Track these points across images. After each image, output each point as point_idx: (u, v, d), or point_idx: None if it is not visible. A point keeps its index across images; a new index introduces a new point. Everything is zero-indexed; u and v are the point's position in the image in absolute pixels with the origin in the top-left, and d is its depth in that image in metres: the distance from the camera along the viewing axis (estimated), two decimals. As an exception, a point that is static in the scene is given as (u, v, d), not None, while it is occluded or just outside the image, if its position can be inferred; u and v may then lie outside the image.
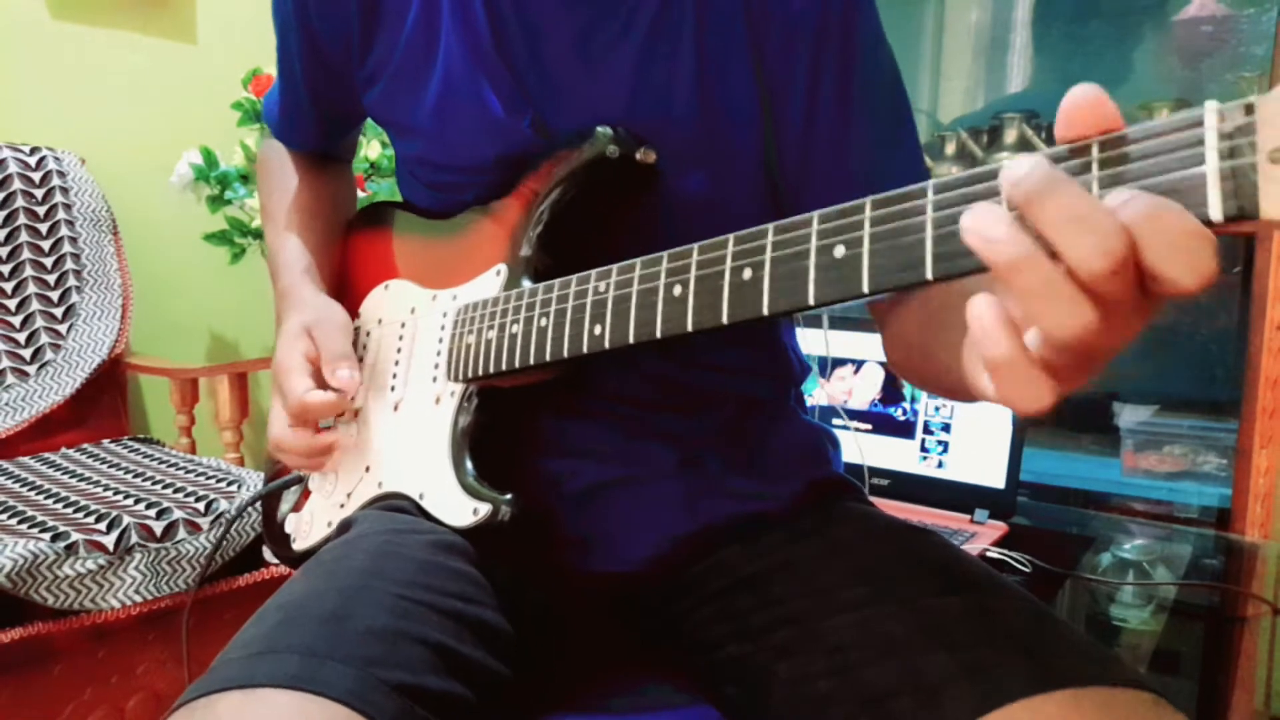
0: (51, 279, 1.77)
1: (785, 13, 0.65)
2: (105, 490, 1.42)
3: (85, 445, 1.71)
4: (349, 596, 0.55)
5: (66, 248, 1.79)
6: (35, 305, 1.75)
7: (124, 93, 2.00)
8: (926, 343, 0.57)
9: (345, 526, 0.69)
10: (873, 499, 0.75)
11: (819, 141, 0.66)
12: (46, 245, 1.77)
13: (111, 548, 1.23)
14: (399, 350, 0.73)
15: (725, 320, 0.48)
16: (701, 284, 0.49)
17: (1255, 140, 0.30)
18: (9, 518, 1.26)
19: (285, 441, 0.70)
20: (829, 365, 1.38)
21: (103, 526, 1.24)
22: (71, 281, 1.79)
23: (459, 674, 0.54)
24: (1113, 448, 1.80)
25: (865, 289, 0.41)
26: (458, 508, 0.63)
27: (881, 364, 1.34)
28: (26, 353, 1.72)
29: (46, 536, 1.19)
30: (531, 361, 0.60)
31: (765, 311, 0.46)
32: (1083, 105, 0.34)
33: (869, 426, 1.34)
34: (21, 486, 1.44)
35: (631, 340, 0.53)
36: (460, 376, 0.66)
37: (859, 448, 1.27)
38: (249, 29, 2.07)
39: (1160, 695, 0.48)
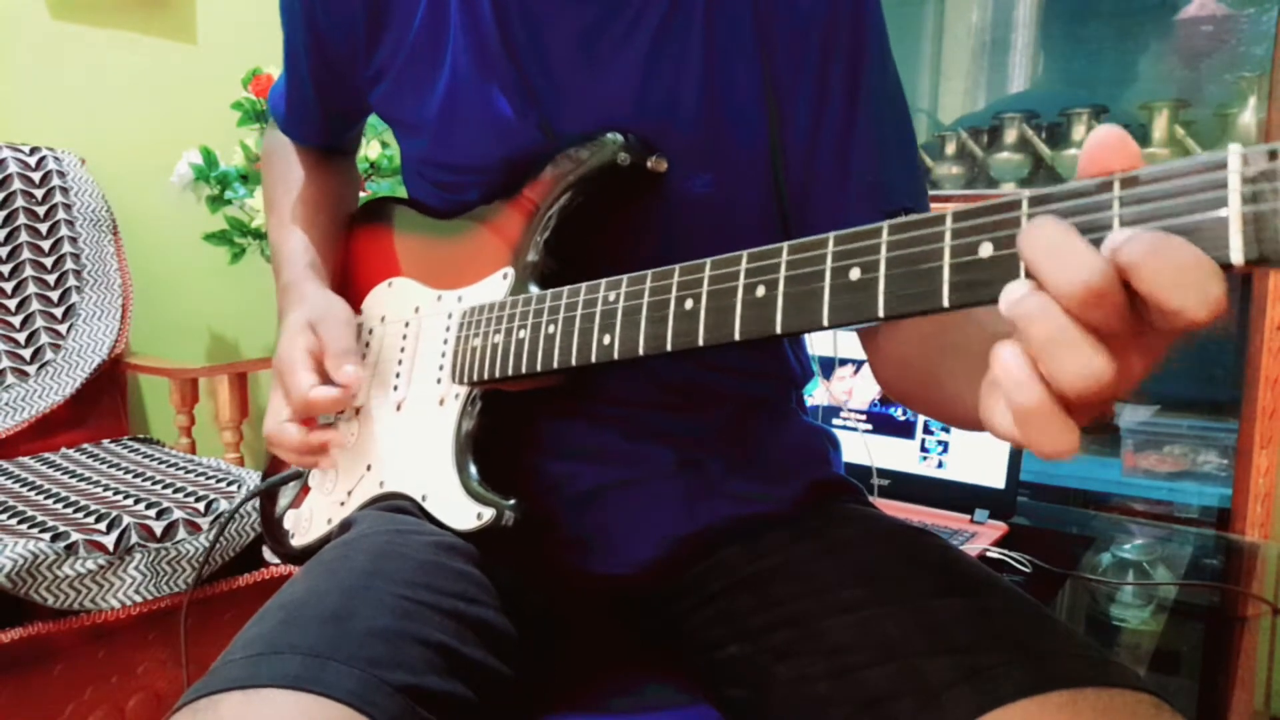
0: (51, 279, 1.77)
1: (792, 15, 0.65)
2: (105, 490, 1.42)
3: (85, 445, 1.71)
4: (351, 597, 0.55)
5: (66, 248, 1.79)
6: (35, 305, 1.75)
7: (124, 93, 2.00)
8: (930, 367, 0.57)
9: (346, 526, 0.69)
10: (873, 499, 0.75)
11: (825, 145, 0.66)
12: (46, 245, 1.78)
13: (111, 548, 1.23)
14: (402, 349, 0.73)
15: (738, 337, 0.48)
16: (714, 299, 0.49)
17: (1279, 186, 0.30)
18: (9, 518, 1.26)
19: (281, 437, 0.69)
20: (834, 365, 1.38)
21: (103, 526, 1.24)
22: (71, 281, 1.79)
23: (461, 674, 0.54)
24: (1113, 448, 1.80)
25: (880, 313, 0.41)
26: (461, 511, 0.63)
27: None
28: (26, 353, 1.72)
29: (46, 536, 1.19)
30: (539, 368, 0.60)
31: (778, 330, 0.46)
32: (1107, 146, 0.34)
33: (869, 426, 1.34)
34: (21, 486, 1.44)
35: (641, 352, 0.53)
36: (465, 379, 0.66)
37: (866, 448, 1.27)
38: (249, 29, 2.07)
39: (1159, 696, 0.48)
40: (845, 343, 1.37)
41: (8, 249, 1.73)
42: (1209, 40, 1.82)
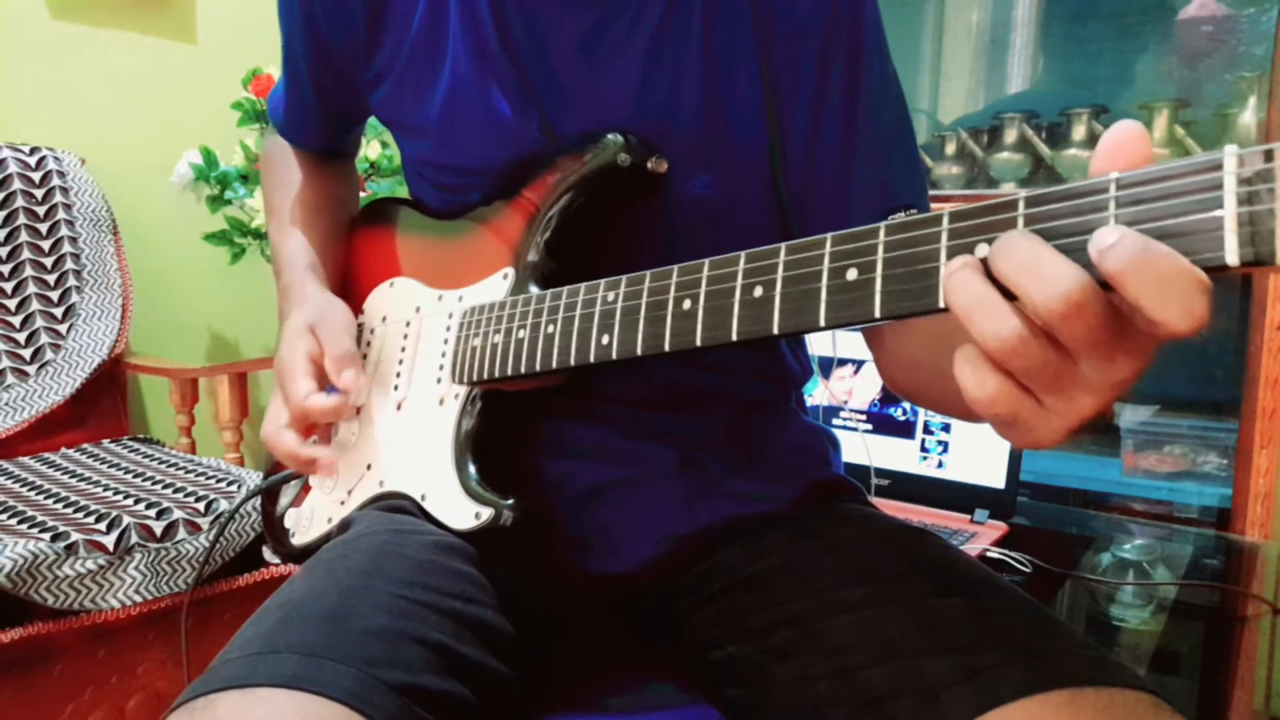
0: (51, 279, 1.77)
1: (791, 16, 0.65)
2: (105, 490, 1.42)
3: (85, 445, 1.71)
4: (349, 596, 0.55)
5: (66, 248, 1.79)
6: (35, 305, 1.75)
7: (124, 93, 2.00)
8: (935, 361, 0.57)
9: (345, 526, 0.69)
10: (873, 499, 0.75)
11: (825, 146, 0.66)
12: (46, 245, 1.78)
13: (111, 548, 1.23)
14: (403, 349, 0.73)
15: (735, 337, 0.48)
16: (711, 300, 0.49)
17: (1274, 187, 0.30)
18: (9, 518, 1.26)
19: (277, 443, 0.69)
20: (834, 365, 1.38)
21: (103, 526, 1.24)
22: (71, 281, 1.79)
23: (459, 674, 0.54)
24: (1113, 448, 1.80)
25: (877, 314, 0.41)
26: (460, 511, 0.63)
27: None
28: (26, 353, 1.72)
29: (46, 536, 1.19)
30: (538, 368, 0.60)
31: (775, 331, 0.46)
32: (1124, 141, 0.35)
33: (869, 426, 1.34)
34: (21, 486, 1.44)
35: (639, 352, 0.53)
36: (465, 379, 0.66)
37: (866, 449, 1.27)
38: (249, 29, 2.07)
39: (1158, 696, 0.48)
40: (845, 343, 1.37)
41: (8, 249, 1.73)
42: (1209, 40, 1.82)
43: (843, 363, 1.38)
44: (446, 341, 0.69)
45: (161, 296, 2.03)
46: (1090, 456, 1.83)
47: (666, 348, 0.51)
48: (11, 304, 1.73)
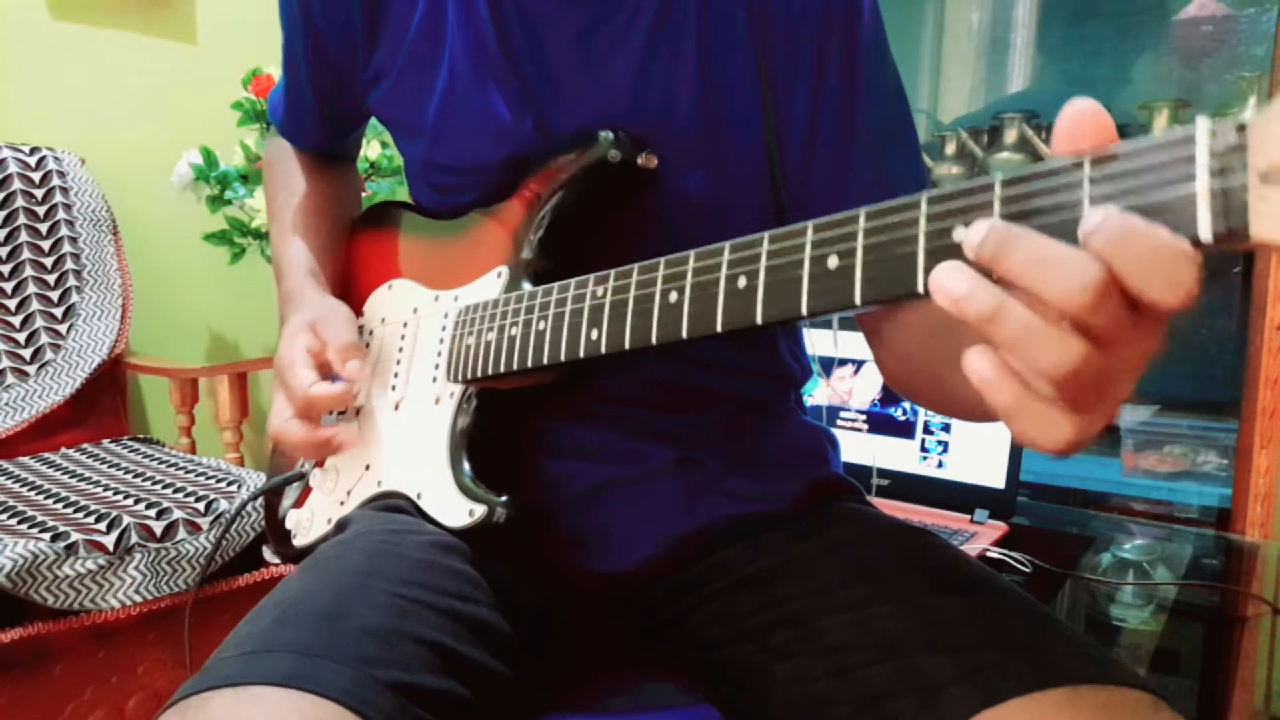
0: (51, 279, 1.77)
1: (786, 12, 0.65)
2: (105, 490, 1.42)
3: (85, 445, 1.71)
4: (345, 595, 0.55)
5: (66, 248, 1.79)
6: (35, 305, 1.75)
7: (124, 93, 2.00)
8: (933, 360, 0.57)
9: (342, 525, 0.69)
10: (873, 499, 0.75)
11: (823, 142, 0.66)
12: (46, 245, 1.77)
13: (111, 548, 1.23)
14: (401, 350, 0.73)
15: (719, 328, 0.48)
16: (697, 291, 0.49)
17: (1246, 160, 0.30)
18: (9, 518, 1.26)
19: (286, 434, 0.69)
20: (834, 365, 1.38)
21: (103, 526, 1.24)
22: (71, 281, 1.79)
23: (456, 673, 0.54)
24: (1113, 448, 1.80)
25: (858, 300, 0.41)
26: (454, 508, 0.63)
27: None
28: (26, 353, 1.72)
29: (46, 536, 1.19)
30: (529, 364, 0.60)
31: (759, 320, 0.46)
32: (1082, 117, 0.34)
33: (869, 426, 1.34)
34: (21, 486, 1.44)
35: (627, 346, 0.53)
36: (460, 377, 0.66)
37: (866, 448, 1.27)
38: (249, 29, 2.07)
39: (1158, 695, 0.48)
40: (845, 343, 1.37)
41: (8, 249, 1.73)
42: (1209, 40, 1.82)
43: (843, 363, 1.38)
44: (442, 341, 0.69)
45: (161, 296, 2.03)
46: (1090, 456, 1.83)
47: (654, 340, 0.51)
48: (11, 304, 1.73)
